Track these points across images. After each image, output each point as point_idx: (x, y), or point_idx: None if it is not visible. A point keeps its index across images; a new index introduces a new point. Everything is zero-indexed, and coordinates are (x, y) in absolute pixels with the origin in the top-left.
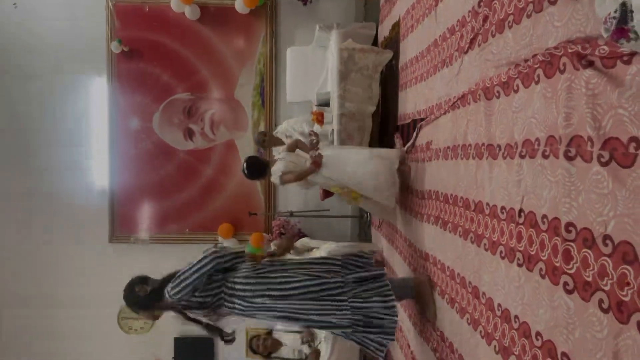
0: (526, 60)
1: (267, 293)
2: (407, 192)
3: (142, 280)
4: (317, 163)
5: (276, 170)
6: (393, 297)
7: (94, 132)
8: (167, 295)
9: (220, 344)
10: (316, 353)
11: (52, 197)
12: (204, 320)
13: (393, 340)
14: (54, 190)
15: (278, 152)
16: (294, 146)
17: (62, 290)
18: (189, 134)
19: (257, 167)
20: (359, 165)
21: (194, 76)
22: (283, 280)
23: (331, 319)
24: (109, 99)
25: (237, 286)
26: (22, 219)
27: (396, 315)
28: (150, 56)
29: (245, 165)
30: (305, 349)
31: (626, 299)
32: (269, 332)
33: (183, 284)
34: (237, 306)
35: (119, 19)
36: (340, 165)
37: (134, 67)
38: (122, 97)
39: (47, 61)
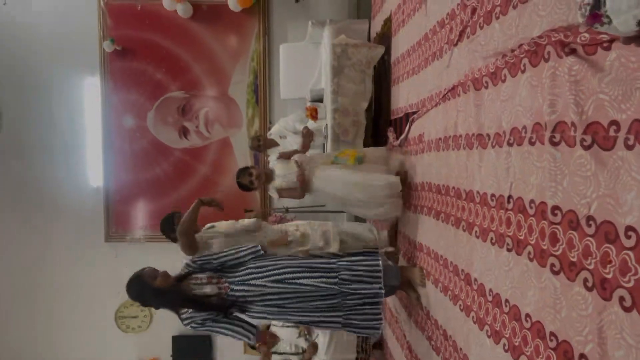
0: (513, 50)
1: (268, 275)
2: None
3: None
4: (301, 180)
5: (275, 185)
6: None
7: (88, 132)
8: (187, 261)
9: (217, 341)
10: (314, 347)
11: (46, 197)
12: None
13: (381, 321)
14: (48, 189)
15: (273, 154)
16: (289, 155)
17: (59, 291)
18: (184, 132)
19: (241, 172)
20: (349, 192)
21: (188, 74)
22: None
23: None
24: (103, 98)
25: (240, 270)
26: (16, 218)
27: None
28: (143, 55)
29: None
30: (303, 343)
31: (609, 276)
32: (267, 327)
33: (207, 256)
34: (237, 278)
35: (111, 17)
36: (330, 191)
37: (127, 65)
38: (115, 95)
39: (39, 61)
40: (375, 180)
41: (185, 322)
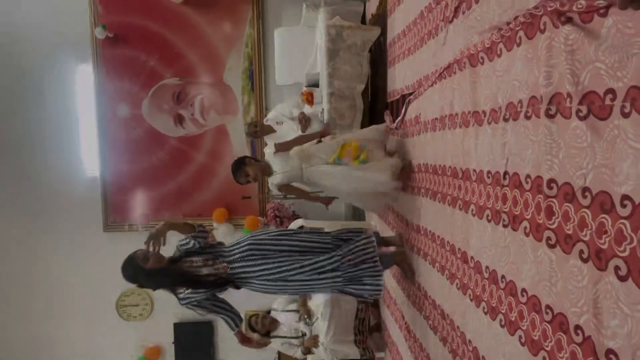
0: (508, 24)
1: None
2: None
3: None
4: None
5: (274, 180)
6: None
7: (82, 121)
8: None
9: (219, 327)
10: (315, 339)
11: (42, 189)
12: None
13: (382, 275)
14: (43, 181)
15: (269, 147)
16: (289, 146)
17: (59, 282)
18: (179, 120)
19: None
20: (346, 182)
21: (182, 61)
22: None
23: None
24: (96, 86)
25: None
26: (12, 211)
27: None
28: (136, 41)
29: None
30: (303, 327)
31: (604, 246)
32: (268, 312)
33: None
34: (235, 255)
35: (102, 4)
36: (327, 180)
37: (120, 53)
38: (109, 84)
39: (30, 50)
40: (377, 177)
41: (183, 301)
